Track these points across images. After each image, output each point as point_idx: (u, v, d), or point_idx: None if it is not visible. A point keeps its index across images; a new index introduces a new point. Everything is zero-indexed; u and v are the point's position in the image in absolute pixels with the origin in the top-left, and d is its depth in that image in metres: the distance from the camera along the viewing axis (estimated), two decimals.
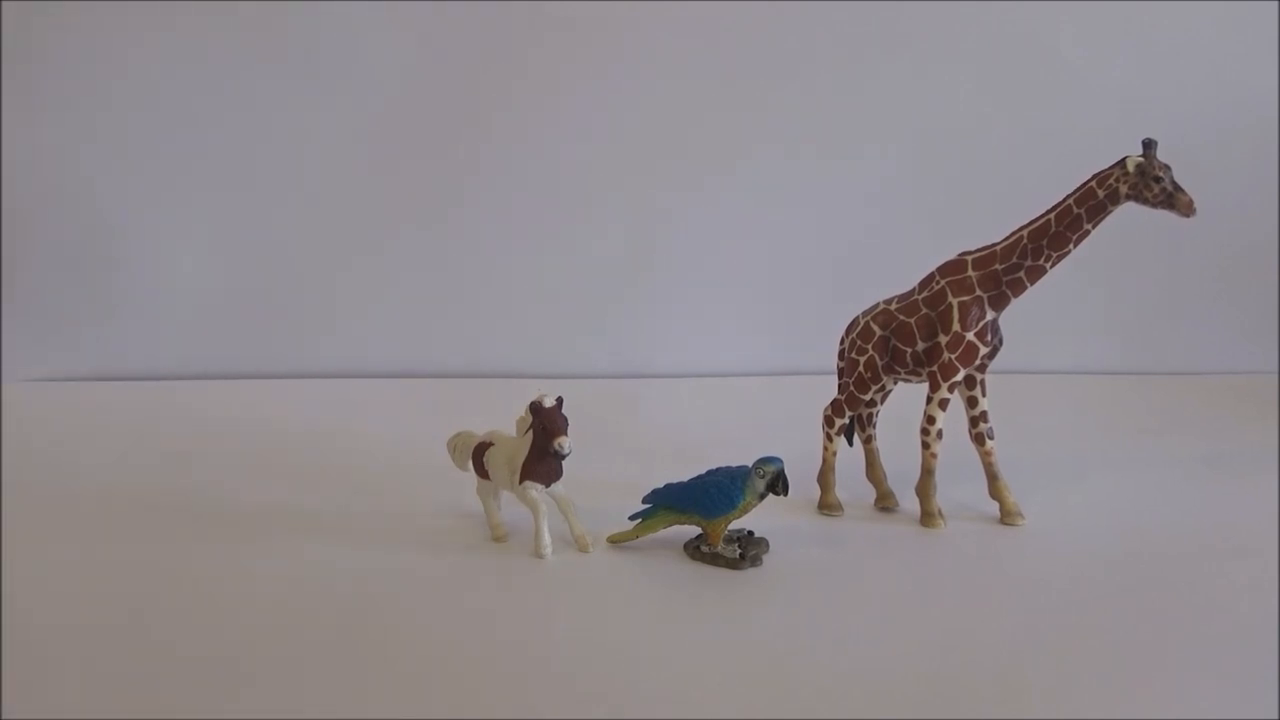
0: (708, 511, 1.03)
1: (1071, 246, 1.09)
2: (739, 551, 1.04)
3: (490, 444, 1.11)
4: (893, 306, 1.17)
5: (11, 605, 0.95)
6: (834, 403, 1.21)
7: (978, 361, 1.12)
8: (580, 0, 1.84)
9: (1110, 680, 0.80)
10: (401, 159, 1.90)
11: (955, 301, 1.11)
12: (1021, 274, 1.10)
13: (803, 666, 0.83)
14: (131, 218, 1.89)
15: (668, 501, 1.07)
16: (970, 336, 1.10)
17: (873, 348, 1.17)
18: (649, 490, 1.09)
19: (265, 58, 1.85)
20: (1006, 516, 1.15)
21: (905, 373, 1.17)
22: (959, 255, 1.14)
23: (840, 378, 1.23)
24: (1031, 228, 1.10)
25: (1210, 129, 1.84)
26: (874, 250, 1.87)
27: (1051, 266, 1.10)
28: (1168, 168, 1.05)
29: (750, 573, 1.02)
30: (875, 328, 1.17)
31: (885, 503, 1.21)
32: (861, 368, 1.18)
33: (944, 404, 1.13)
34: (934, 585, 0.99)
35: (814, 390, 1.32)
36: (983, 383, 1.15)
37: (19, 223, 1.86)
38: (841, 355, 1.23)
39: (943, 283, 1.13)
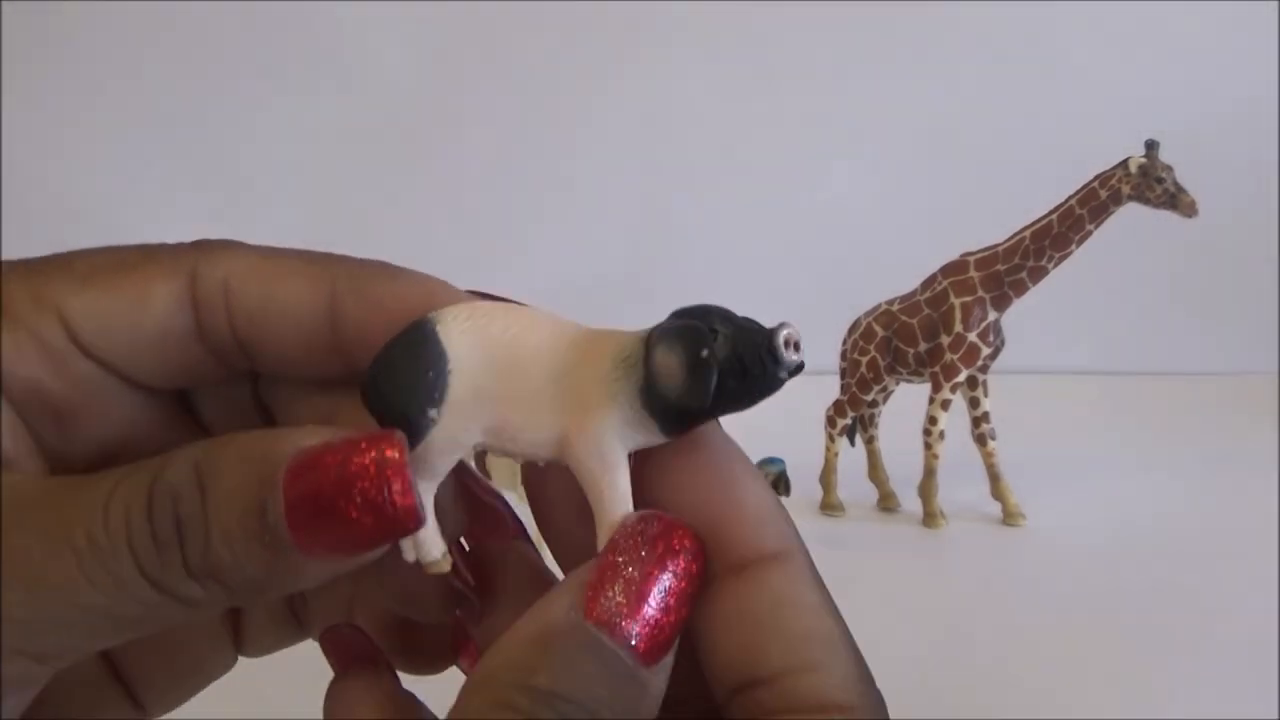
0: None
1: (1074, 247, 1.09)
2: None
3: None
4: (895, 307, 1.17)
5: None
6: (836, 403, 1.22)
7: (980, 362, 1.12)
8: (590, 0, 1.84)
9: (1110, 680, 0.80)
10: (403, 158, 1.90)
11: (958, 302, 1.11)
12: (1024, 274, 1.10)
13: None
14: (131, 218, 1.89)
15: None
16: (973, 337, 1.11)
17: (875, 348, 1.17)
18: None
19: (265, 58, 1.85)
20: (1008, 517, 1.15)
21: (907, 373, 1.17)
22: (961, 256, 1.14)
23: (842, 378, 1.23)
24: (1034, 228, 1.10)
25: (1211, 129, 1.84)
26: (876, 251, 1.86)
27: (1054, 267, 1.10)
28: (1170, 168, 1.05)
29: None
30: (877, 328, 1.17)
31: (887, 503, 1.21)
32: (863, 368, 1.18)
33: (946, 405, 1.13)
34: (935, 585, 1.00)
35: (816, 391, 1.32)
36: (985, 383, 1.15)
37: (19, 223, 1.86)
38: (843, 356, 1.23)
39: (945, 283, 1.13)
